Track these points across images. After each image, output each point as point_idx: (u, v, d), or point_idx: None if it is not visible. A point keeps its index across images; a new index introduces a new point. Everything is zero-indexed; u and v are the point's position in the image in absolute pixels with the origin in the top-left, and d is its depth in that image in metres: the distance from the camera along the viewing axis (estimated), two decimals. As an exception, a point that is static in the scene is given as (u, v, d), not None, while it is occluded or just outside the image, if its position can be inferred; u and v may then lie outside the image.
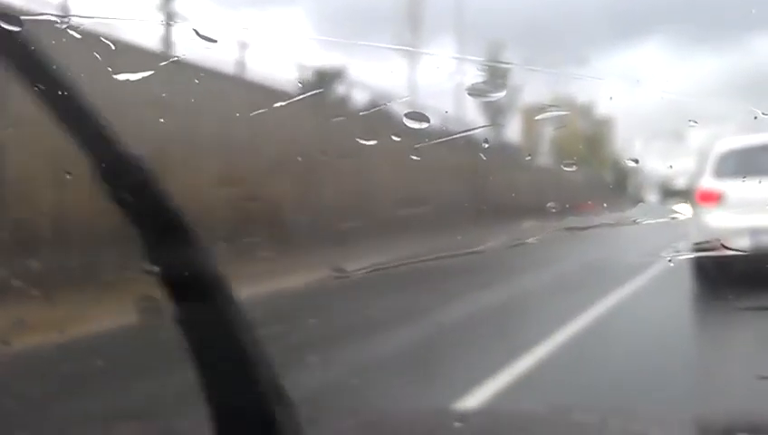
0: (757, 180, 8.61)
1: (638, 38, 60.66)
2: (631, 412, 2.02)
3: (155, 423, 1.69)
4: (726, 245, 8.80)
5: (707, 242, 8.69)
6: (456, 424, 1.64)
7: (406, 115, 1.27)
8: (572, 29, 49.51)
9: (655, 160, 53.27)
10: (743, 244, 8.31)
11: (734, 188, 8.62)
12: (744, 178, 8.77)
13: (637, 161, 8.10)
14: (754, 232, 8.31)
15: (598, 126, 54.77)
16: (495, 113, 32.78)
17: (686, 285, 8.43)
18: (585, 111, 54.19)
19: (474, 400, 4.74)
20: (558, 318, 7.41)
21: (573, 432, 1.52)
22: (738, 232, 8.36)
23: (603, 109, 54.61)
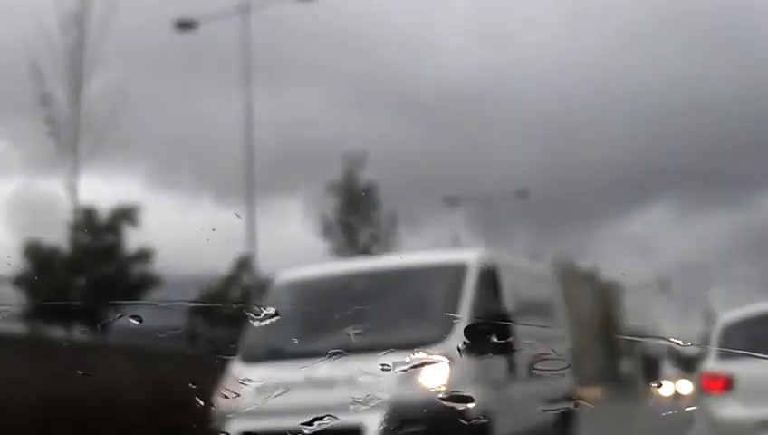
0: None
1: (644, 203, 59.51)
2: None
3: None
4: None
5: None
6: None
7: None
8: (579, 197, 48.31)
9: (667, 329, 50.39)
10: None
11: (748, 370, 6.68)
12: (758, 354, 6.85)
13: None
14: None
15: (602, 293, 52.55)
16: None
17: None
18: (588, 277, 52.07)
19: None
20: None
21: None
22: (757, 427, 6.39)
23: (608, 273, 52.58)
